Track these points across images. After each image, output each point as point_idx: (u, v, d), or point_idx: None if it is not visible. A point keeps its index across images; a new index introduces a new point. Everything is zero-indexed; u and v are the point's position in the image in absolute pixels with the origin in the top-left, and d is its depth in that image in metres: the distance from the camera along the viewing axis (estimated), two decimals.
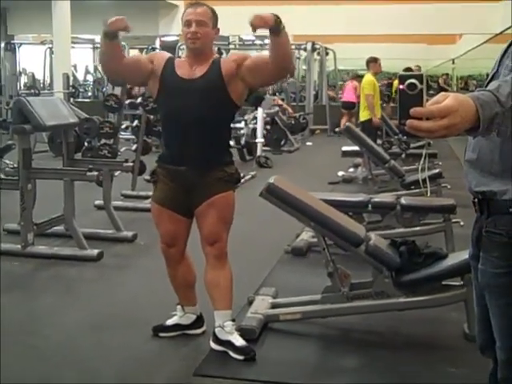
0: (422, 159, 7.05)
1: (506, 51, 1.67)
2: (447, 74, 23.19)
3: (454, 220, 4.68)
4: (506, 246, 1.61)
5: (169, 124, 3.17)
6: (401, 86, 1.37)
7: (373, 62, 8.55)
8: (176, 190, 3.09)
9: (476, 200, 1.71)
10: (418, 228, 4.91)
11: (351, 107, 14.12)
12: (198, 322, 3.40)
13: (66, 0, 12.50)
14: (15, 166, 5.44)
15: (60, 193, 5.01)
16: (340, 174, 8.66)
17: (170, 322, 3.40)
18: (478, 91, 1.42)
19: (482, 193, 1.67)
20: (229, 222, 3.15)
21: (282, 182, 3.40)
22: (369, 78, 8.52)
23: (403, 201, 4.90)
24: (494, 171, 1.63)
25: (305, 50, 15.84)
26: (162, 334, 3.39)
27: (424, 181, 6.38)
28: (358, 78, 16.11)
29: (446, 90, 14.92)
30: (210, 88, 3.00)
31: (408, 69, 11.02)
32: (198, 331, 3.39)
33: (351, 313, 3.44)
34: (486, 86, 1.53)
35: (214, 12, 3.08)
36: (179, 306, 3.38)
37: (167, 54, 3.20)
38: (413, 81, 1.36)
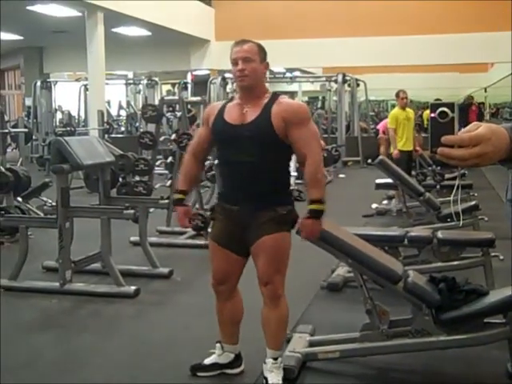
0: (455, 190, 7.01)
1: None
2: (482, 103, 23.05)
3: (493, 254, 4.61)
4: None
5: (221, 166, 3.29)
6: (432, 115, 1.38)
7: (397, 96, 8.60)
8: (231, 228, 3.11)
9: None
10: (455, 262, 4.84)
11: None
12: (237, 361, 3.36)
13: (101, 39, 12.74)
14: (53, 204, 5.53)
15: (95, 229, 5.07)
16: (374, 206, 8.61)
17: (208, 360, 3.38)
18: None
19: None
20: (281, 263, 3.11)
21: None
22: (393, 111, 8.65)
23: (440, 235, 4.84)
24: None
25: (335, 81, 15.90)
26: (200, 374, 3.37)
27: (460, 213, 6.31)
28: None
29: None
30: (260, 135, 3.01)
31: (438, 100, 11.01)
32: (236, 371, 3.35)
33: (391, 351, 3.40)
34: None
35: (260, 47, 3.08)
36: (218, 344, 3.35)
37: (220, 104, 3.25)
38: (444, 109, 1.37)
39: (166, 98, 7.51)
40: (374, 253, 3.45)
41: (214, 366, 3.35)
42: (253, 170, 3.03)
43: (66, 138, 5.02)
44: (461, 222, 5.79)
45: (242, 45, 3.04)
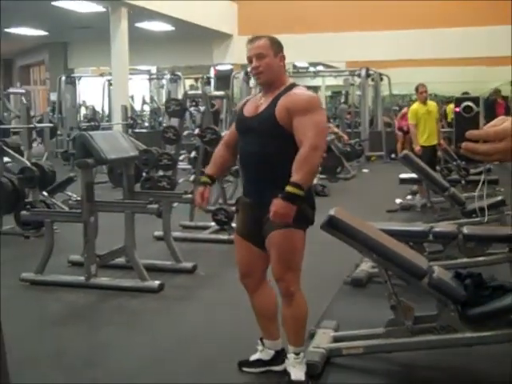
0: (480, 185, 6.91)
1: None
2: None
3: None
4: None
5: (239, 158, 3.30)
6: (457, 109, 1.36)
7: (416, 90, 8.51)
8: (249, 221, 3.13)
9: None
10: (481, 258, 4.79)
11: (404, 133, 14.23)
12: (278, 357, 3.29)
13: (125, 34, 12.80)
14: (78, 198, 5.57)
15: (119, 224, 5.10)
16: (398, 201, 8.54)
17: (253, 356, 3.34)
18: None
19: None
20: (291, 261, 3.07)
21: (342, 214, 3.37)
22: (413, 106, 8.54)
23: (466, 230, 4.79)
24: None
25: (359, 76, 15.82)
26: (245, 369, 3.33)
27: (488, 208, 6.24)
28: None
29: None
30: (264, 126, 3.02)
31: (465, 93, 10.90)
32: (278, 368, 3.28)
33: (416, 348, 3.37)
34: None
35: (272, 40, 3.06)
36: (259, 341, 3.32)
37: (251, 96, 3.32)
38: (469, 103, 1.35)
39: (189, 92, 7.52)
40: (399, 248, 3.42)
41: (258, 362, 3.32)
42: (259, 161, 3.04)
43: (91, 133, 5.05)
44: (486, 218, 5.74)
45: (254, 42, 3.04)
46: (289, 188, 2.82)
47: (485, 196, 6.00)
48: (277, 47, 3.05)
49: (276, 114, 2.96)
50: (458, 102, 1.37)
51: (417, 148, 8.17)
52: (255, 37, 3.09)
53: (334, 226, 3.28)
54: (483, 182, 6.49)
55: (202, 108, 6.84)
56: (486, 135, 1.29)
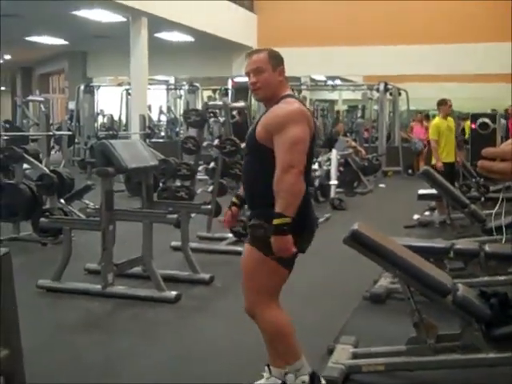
0: (499, 203, 6.82)
1: None
2: None
3: None
4: None
5: None
6: (473, 126, 1.33)
7: (443, 104, 8.42)
8: None
9: None
10: (503, 277, 4.72)
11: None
12: None
13: (144, 44, 12.87)
14: (96, 206, 5.57)
15: (135, 232, 5.07)
16: (415, 217, 8.48)
17: (258, 383, 3.14)
18: None
19: None
20: (253, 280, 2.94)
21: (365, 229, 3.33)
22: (435, 121, 8.45)
23: (488, 248, 4.73)
24: None
25: (377, 90, 15.78)
26: None
27: (506, 227, 6.17)
28: (426, 119, 16.00)
29: None
30: (248, 142, 3.00)
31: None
32: None
33: (438, 367, 3.30)
34: None
35: (271, 54, 2.94)
36: (266, 367, 3.08)
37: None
38: (485, 120, 1.31)
39: (210, 103, 7.52)
40: (422, 264, 3.37)
41: None
42: (245, 179, 3.04)
43: (111, 141, 5.05)
44: (503, 238, 5.66)
45: (252, 56, 2.95)
46: (275, 221, 2.73)
47: (503, 214, 5.96)
48: (276, 61, 2.95)
49: (256, 133, 2.89)
50: (474, 118, 1.33)
51: (438, 164, 8.10)
52: (254, 50, 3.02)
53: (357, 240, 3.24)
54: (501, 200, 6.46)
55: (221, 119, 6.82)
56: (503, 153, 1.25)
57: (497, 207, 5.98)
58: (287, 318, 2.99)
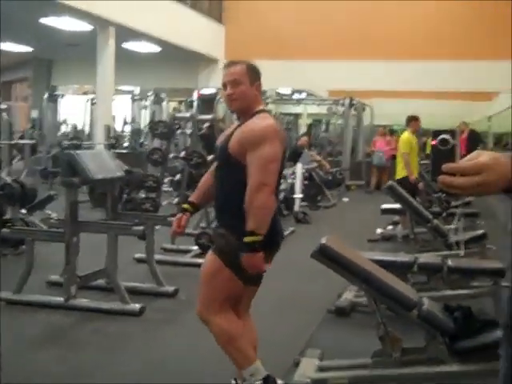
0: (457, 219, 6.96)
1: None
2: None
3: (503, 284, 4.55)
4: None
5: None
6: (433, 142, 1.35)
7: (413, 120, 8.54)
8: None
9: None
10: (465, 291, 4.79)
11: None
12: None
13: (111, 53, 12.79)
14: (59, 217, 5.48)
15: (96, 243, 4.99)
16: (379, 231, 8.56)
17: None
18: None
19: None
20: (207, 285, 2.99)
21: (333, 242, 3.34)
22: (405, 136, 8.53)
23: (450, 262, 4.79)
24: None
25: (342, 105, 15.94)
26: None
27: (467, 241, 6.28)
28: (390, 133, 16.22)
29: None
30: (219, 156, 3.01)
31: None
32: None
33: (403, 379, 3.32)
34: None
35: (250, 67, 2.94)
36: (233, 381, 3.13)
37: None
38: (445, 136, 1.34)
39: (177, 115, 7.50)
40: (389, 279, 3.40)
41: None
42: (217, 191, 3.02)
43: (78, 152, 4.98)
44: (462, 251, 5.76)
45: (230, 67, 2.93)
46: (246, 239, 2.76)
47: (460, 229, 6.06)
48: (254, 75, 2.95)
49: (230, 147, 2.88)
50: (435, 134, 1.36)
51: (412, 177, 8.18)
52: (232, 62, 2.99)
53: (325, 254, 3.25)
54: (459, 217, 6.58)
55: (188, 131, 6.81)
56: (463, 169, 1.28)
57: (455, 222, 6.09)
58: (238, 325, 3.02)
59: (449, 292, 4.78)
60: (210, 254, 3.04)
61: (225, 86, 2.94)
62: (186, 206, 3.20)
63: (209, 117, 7.22)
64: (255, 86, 2.95)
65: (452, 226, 7.19)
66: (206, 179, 3.22)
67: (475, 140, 15.41)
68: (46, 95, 16.27)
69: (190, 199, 3.23)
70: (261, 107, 3.00)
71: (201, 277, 3.03)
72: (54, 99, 16.48)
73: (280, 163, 2.89)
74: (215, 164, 3.12)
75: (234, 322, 3.01)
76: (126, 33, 13.19)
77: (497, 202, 11.11)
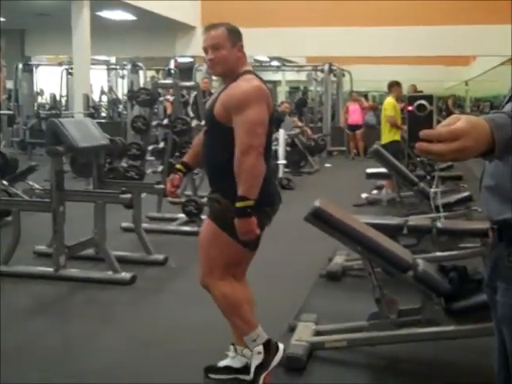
0: (435, 183, 7.00)
1: None
2: (454, 96, 22.83)
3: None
4: None
5: None
6: (410, 108, 1.32)
7: (395, 85, 8.55)
8: None
9: (495, 227, 1.57)
10: (454, 252, 4.83)
11: (358, 129, 14.80)
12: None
13: (86, 22, 12.52)
14: (44, 188, 5.40)
15: (83, 213, 4.92)
16: (364, 196, 8.58)
17: (222, 362, 3.13)
18: (493, 113, 1.35)
19: (503, 221, 1.54)
20: (207, 252, 2.95)
21: (327, 206, 3.32)
22: (389, 100, 8.52)
23: (439, 224, 4.82)
24: None
25: (322, 71, 15.85)
26: (211, 376, 3.11)
27: (454, 203, 6.33)
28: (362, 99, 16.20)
29: (452, 113, 14.83)
30: (206, 119, 2.98)
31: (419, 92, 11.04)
32: (248, 378, 3.01)
33: (400, 341, 3.35)
34: (502, 109, 1.46)
35: (230, 30, 2.87)
36: (232, 346, 3.10)
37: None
38: (422, 102, 1.31)
39: (160, 82, 7.39)
40: (383, 241, 3.40)
41: (227, 370, 3.09)
42: (206, 155, 2.97)
43: (62, 120, 4.89)
44: (441, 214, 5.79)
45: (210, 31, 2.86)
46: (237, 204, 2.72)
47: (439, 193, 6.10)
48: (235, 37, 2.88)
49: (215, 111, 2.84)
50: (411, 100, 1.32)
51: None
52: (211, 25, 2.90)
53: (318, 217, 3.23)
54: (437, 179, 6.61)
55: (171, 98, 6.71)
56: (440, 135, 1.26)
57: (434, 186, 6.11)
58: (241, 291, 3.00)
59: (439, 253, 4.82)
60: (206, 220, 3.01)
61: (206, 50, 2.88)
62: (178, 166, 3.17)
63: (192, 83, 7.14)
64: (237, 48, 2.88)
65: (434, 189, 7.22)
66: (198, 140, 3.17)
67: None
68: (20, 66, 15.94)
69: (184, 159, 3.20)
70: (246, 68, 2.93)
71: (199, 244, 2.99)
72: (28, 70, 16.18)
73: (267, 125, 2.84)
74: (204, 129, 3.07)
75: (237, 288, 2.98)
76: (100, 1, 12.90)
77: (478, 165, 11.19)
